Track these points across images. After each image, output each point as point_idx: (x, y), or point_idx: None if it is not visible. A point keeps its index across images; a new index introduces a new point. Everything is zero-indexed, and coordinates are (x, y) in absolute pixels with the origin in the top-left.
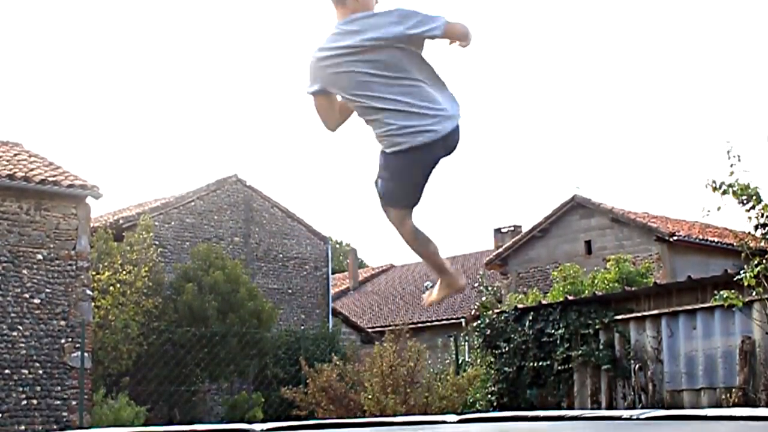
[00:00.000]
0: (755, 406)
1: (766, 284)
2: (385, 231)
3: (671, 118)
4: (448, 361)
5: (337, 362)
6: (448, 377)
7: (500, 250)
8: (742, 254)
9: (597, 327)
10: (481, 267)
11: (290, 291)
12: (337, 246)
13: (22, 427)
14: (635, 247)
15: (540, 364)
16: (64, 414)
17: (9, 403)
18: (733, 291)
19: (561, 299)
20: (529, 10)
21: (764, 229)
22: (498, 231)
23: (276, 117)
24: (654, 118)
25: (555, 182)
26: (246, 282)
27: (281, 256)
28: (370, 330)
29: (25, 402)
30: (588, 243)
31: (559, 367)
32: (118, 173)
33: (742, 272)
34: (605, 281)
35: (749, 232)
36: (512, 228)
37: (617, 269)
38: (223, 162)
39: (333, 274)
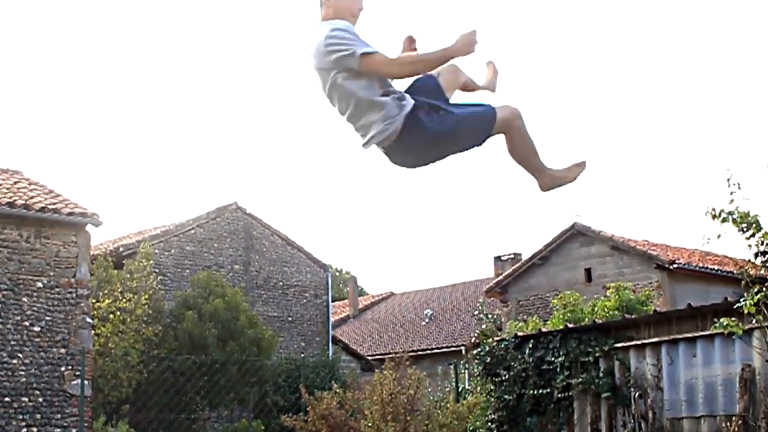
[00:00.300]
0: None
1: (766, 312)
2: (385, 259)
3: (671, 146)
4: (448, 388)
5: (337, 390)
6: (448, 405)
7: (500, 277)
8: (742, 282)
9: (597, 355)
10: (481, 295)
11: (290, 319)
12: (337, 274)
13: None
14: (635, 274)
15: (540, 391)
16: None
17: (9, 431)
18: (733, 318)
19: (561, 327)
20: (519, 34)
21: (764, 256)
22: (498, 259)
23: (276, 145)
24: (653, 146)
25: (555, 210)
26: (246, 310)
27: (281, 283)
28: (370, 358)
29: (25, 430)
30: (588, 271)
31: (559, 395)
32: (119, 201)
33: (742, 300)
34: (605, 309)
35: (749, 260)
36: (512, 256)
37: (617, 297)
38: (222, 190)
39: (333, 301)
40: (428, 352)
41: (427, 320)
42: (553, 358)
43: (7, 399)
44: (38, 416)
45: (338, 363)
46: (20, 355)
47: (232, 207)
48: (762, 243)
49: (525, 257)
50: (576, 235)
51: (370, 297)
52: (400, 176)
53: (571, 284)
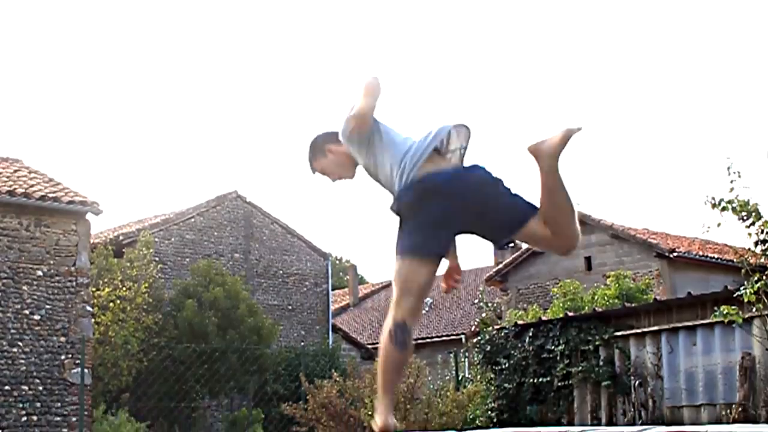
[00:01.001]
0: (755, 422)
1: (765, 300)
2: (386, 248)
3: (671, 135)
4: (448, 377)
5: (337, 378)
6: (448, 393)
7: (500, 266)
8: (742, 270)
9: (597, 343)
10: (481, 283)
11: (290, 307)
12: (337, 262)
13: None
14: (635, 263)
15: (540, 380)
16: (64, 430)
17: (9, 419)
18: (733, 307)
19: (561, 315)
20: (517, 21)
21: (764, 245)
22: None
23: (277, 134)
24: (654, 135)
25: None
26: (246, 298)
27: (281, 272)
28: (370, 346)
29: (25, 418)
30: (588, 259)
31: (559, 383)
32: (119, 190)
33: (741, 289)
34: (605, 298)
35: (749, 249)
36: (512, 244)
37: (617, 285)
38: (223, 179)
39: (333, 290)
40: (428, 340)
41: (426, 308)
42: (553, 347)
43: (7, 387)
44: (38, 404)
45: (338, 351)
46: (20, 343)
47: (232, 195)
48: (762, 231)
49: (525, 246)
50: None
51: (370, 285)
52: None
53: (571, 272)
